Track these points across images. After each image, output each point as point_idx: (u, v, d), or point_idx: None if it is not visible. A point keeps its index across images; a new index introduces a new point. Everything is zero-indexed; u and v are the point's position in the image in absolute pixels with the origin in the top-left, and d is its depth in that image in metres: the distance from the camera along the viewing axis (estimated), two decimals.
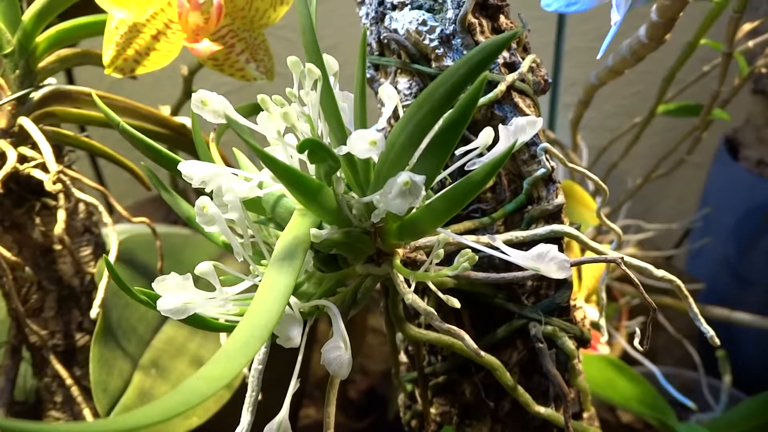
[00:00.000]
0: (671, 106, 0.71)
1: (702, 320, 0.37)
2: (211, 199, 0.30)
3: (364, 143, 0.25)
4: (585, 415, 0.44)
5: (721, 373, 0.78)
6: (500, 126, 0.30)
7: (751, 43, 0.67)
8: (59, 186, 0.43)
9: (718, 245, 1.02)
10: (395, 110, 0.34)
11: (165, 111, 0.57)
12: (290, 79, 0.31)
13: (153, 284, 0.29)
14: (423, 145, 0.27)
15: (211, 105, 0.29)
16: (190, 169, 0.30)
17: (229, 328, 0.31)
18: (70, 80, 0.83)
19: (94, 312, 0.44)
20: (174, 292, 0.29)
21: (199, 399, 0.22)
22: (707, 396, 0.80)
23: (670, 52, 0.61)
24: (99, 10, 0.45)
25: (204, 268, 0.29)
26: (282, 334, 0.28)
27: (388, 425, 0.89)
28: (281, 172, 0.26)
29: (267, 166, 0.25)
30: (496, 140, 0.31)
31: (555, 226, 0.36)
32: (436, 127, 0.26)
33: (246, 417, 0.30)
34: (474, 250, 0.30)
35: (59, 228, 0.44)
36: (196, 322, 0.30)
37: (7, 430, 0.17)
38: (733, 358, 0.78)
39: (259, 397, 0.32)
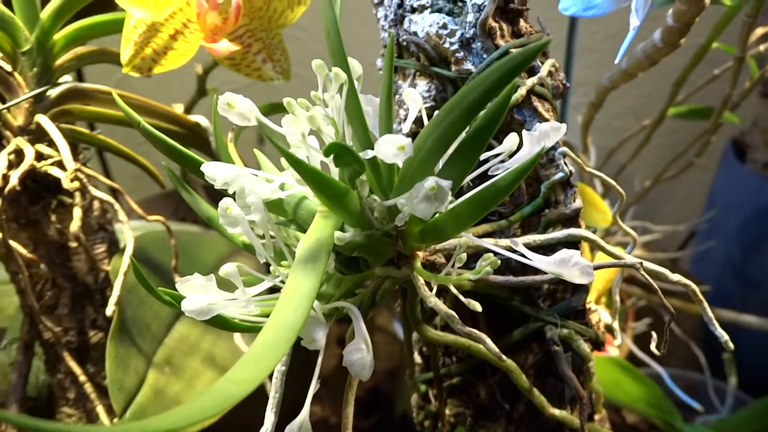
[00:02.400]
0: (682, 108, 0.71)
1: (716, 324, 0.37)
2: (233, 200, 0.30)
3: (392, 148, 0.25)
4: (597, 417, 0.44)
5: (726, 375, 0.79)
6: (524, 132, 0.30)
7: (762, 47, 0.67)
8: (77, 184, 0.43)
9: (724, 247, 1.03)
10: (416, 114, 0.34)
11: (178, 109, 0.57)
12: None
13: (176, 285, 0.29)
14: (449, 151, 0.27)
15: (237, 107, 0.29)
16: (214, 171, 0.31)
17: (251, 329, 0.31)
18: (80, 77, 0.83)
19: (110, 310, 0.44)
20: (198, 293, 0.29)
21: (230, 402, 0.22)
22: (713, 398, 0.80)
23: (678, 55, 0.61)
24: (115, 9, 0.46)
25: (228, 269, 0.29)
26: (307, 336, 0.28)
27: (393, 424, 0.89)
28: (309, 175, 0.26)
29: (295, 169, 0.25)
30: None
31: (572, 230, 0.36)
32: (464, 134, 0.26)
33: (270, 417, 0.30)
34: (494, 253, 0.30)
35: (75, 225, 0.44)
36: (219, 323, 0.30)
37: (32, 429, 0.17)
38: (738, 361, 0.79)
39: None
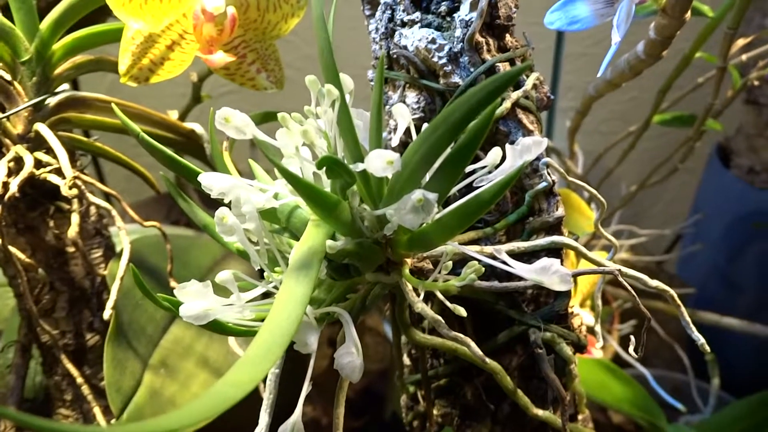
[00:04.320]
0: (666, 116, 0.73)
1: (693, 328, 0.38)
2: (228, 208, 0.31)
3: (382, 162, 0.26)
4: (580, 417, 0.46)
5: (709, 375, 0.80)
6: (507, 146, 0.31)
7: (744, 57, 0.68)
8: (75, 191, 0.44)
9: (708, 251, 1.05)
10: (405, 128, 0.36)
11: (173, 116, 0.58)
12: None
13: (175, 291, 0.31)
14: (436, 165, 0.28)
15: (233, 122, 0.30)
16: (210, 181, 0.32)
17: (246, 333, 0.33)
18: (75, 82, 0.84)
19: (107, 313, 0.45)
20: (195, 299, 0.30)
21: (229, 403, 0.23)
22: (696, 398, 0.82)
23: (664, 61, 0.62)
24: (113, 18, 0.47)
25: (224, 276, 0.30)
26: (299, 341, 0.29)
27: (384, 424, 0.90)
28: (302, 188, 0.27)
29: (290, 182, 0.27)
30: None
31: (555, 237, 0.37)
32: (449, 149, 0.27)
33: (264, 418, 0.31)
34: (478, 261, 0.32)
35: (73, 231, 0.45)
36: (215, 328, 0.31)
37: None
38: (721, 362, 0.80)
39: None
